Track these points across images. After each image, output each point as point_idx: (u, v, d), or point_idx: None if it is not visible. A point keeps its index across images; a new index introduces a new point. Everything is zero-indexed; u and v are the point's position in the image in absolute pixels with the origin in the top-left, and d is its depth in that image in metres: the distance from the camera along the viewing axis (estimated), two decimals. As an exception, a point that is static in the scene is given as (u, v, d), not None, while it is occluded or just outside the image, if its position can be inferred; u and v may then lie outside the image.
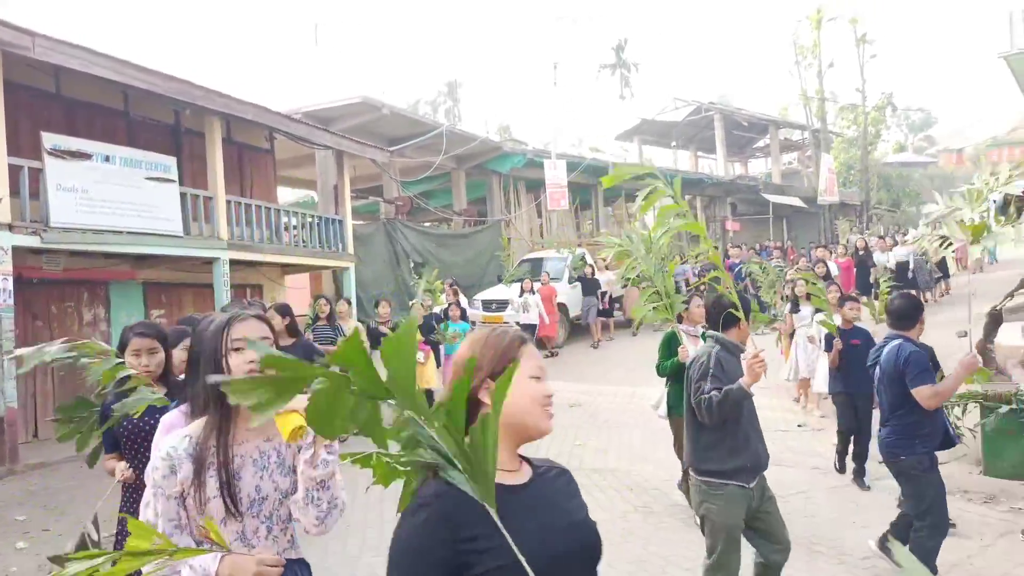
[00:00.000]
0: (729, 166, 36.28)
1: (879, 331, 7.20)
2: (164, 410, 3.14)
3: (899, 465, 4.32)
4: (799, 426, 8.84)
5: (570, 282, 16.47)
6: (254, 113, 11.96)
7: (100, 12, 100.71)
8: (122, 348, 3.41)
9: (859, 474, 6.64)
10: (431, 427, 1.28)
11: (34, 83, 10.48)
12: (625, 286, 16.73)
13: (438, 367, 10.74)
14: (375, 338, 9.97)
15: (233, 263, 11.64)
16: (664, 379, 6.14)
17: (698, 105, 33.34)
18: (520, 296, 14.62)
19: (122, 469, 3.38)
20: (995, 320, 8.78)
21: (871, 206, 36.17)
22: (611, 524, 5.78)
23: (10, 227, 8.63)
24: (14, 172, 8.81)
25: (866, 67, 35.68)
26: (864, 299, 12.77)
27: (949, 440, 4.45)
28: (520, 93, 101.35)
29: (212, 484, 1.99)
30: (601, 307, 16.35)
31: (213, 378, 1.99)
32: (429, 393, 10.52)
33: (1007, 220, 8.39)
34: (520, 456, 1.72)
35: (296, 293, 15.33)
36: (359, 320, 12.24)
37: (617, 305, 17.40)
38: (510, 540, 1.26)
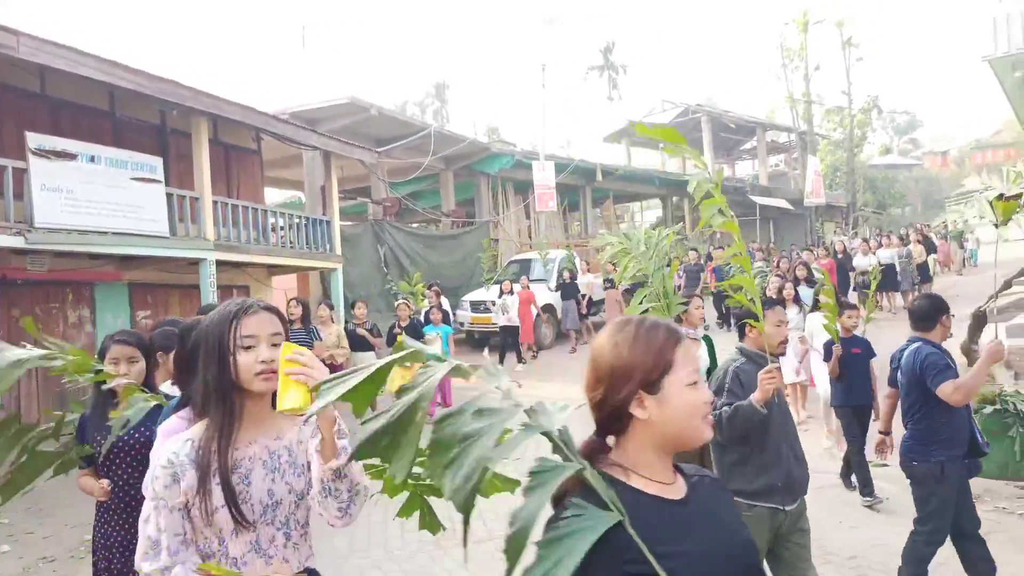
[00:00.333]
0: (716, 168, 36.41)
1: (870, 335, 7.24)
2: (151, 423, 3.00)
3: (912, 471, 4.22)
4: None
5: (556, 287, 16.22)
6: (241, 113, 11.91)
7: (87, 12, 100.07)
8: (101, 356, 3.26)
9: (846, 475, 6.61)
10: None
11: (19, 83, 10.40)
12: (607, 288, 16.64)
13: None
14: (352, 340, 9.88)
15: (220, 264, 11.58)
16: None
17: (686, 107, 33.49)
18: (499, 298, 14.43)
19: (105, 490, 3.19)
20: (979, 321, 8.86)
21: (857, 208, 36.40)
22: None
23: (-6, 227, 8.56)
24: (-2, 172, 8.74)
25: (852, 70, 35.95)
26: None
27: (977, 448, 4.21)
28: (508, 94, 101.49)
29: (218, 492, 1.81)
30: (581, 311, 16.07)
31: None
32: None
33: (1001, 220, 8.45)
34: (673, 464, 1.47)
35: (283, 294, 15.27)
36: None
37: (595, 309, 17.06)
38: (659, 568, 1.14)
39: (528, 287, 15.11)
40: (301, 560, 1.99)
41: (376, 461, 1.57)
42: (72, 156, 9.47)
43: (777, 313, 3.83)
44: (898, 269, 16.80)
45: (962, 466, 4.14)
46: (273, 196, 23.47)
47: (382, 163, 18.00)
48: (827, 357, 6.55)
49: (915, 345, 4.33)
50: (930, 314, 4.42)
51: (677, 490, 1.40)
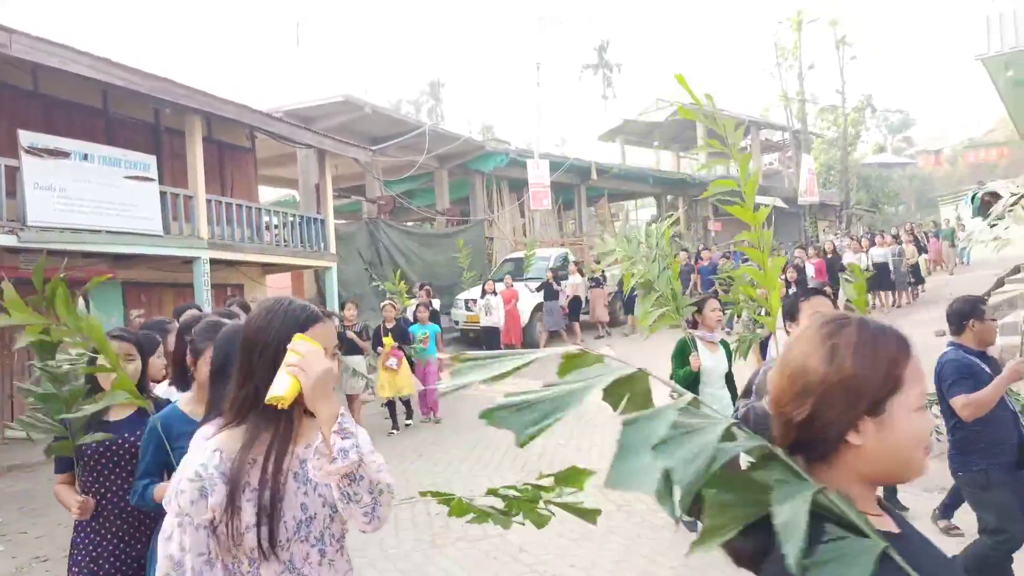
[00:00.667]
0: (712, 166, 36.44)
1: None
2: (140, 426, 2.89)
3: (957, 481, 4.09)
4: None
5: (539, 288, 15.83)
6: (235, 112, 11.88)
7: (80, 11, 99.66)
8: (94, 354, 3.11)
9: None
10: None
11: (12, 81, 10.36)
12: (591, 288, 16.45)
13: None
14: (340, 343, 9.58)
15: (213, 262, 11.55)
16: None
17: (680, 106, 33.48)
18: (482, 298, 14.19)
19: (87, 506, 2.94)
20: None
21: (850, 207, 36.50)
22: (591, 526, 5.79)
23: (-14, 226, 8.53)
24: (-9, 170, 8.71)
25: (846, 69, 36.04)
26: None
27: None
28: (503, 93, 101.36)
29: (249, 510, 1.64)
30: (565, 311, 15.84)
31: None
32: (407, 403, 10.07)
33: (991, 218, 8.50)
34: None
35: (277, 293, 15.24)
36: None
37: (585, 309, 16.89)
38: None
39: (512, 286, 14.82)
40: None
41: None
42: (65, 154, 9.44)
43: (815, 304, 3.49)
44: (891, 268, 16.74)
45: (1011, 473, 3.90)
46: (267, 195, 23.42)
47: (376, 161, 17.97)
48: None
49: (945, 350, 4.18)
50: (956, 318, 4.20)
51: (890, 523, 1.18)
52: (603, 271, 17.08)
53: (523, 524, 1.71)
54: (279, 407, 1.67)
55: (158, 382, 3.50)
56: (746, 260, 18.17)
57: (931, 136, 63.18)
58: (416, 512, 6.41)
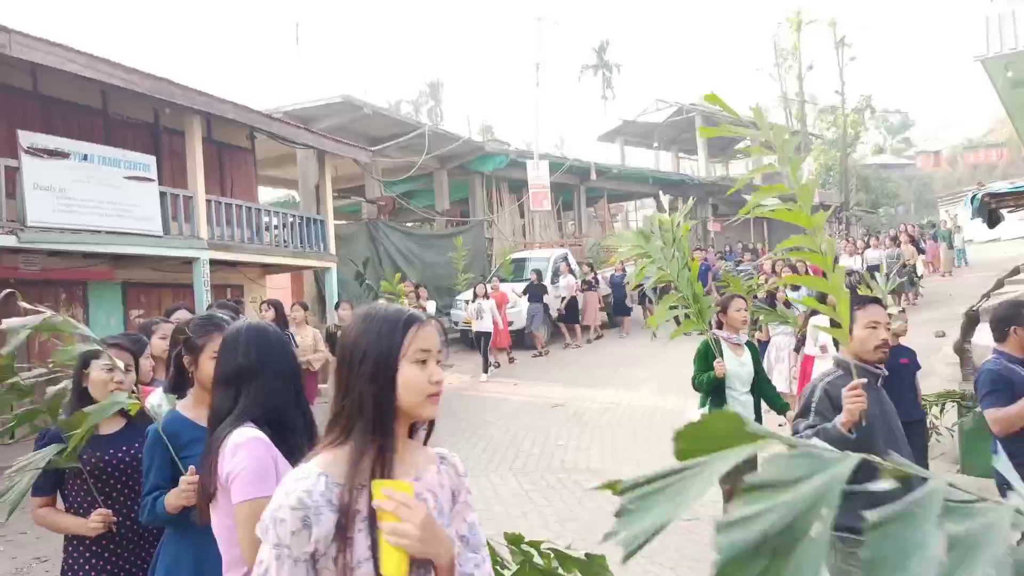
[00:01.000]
0: (711, 167, 36.47)
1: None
2: (136, 438, 2.75)
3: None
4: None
5: (524, 291, 15.48)
6: (235, 112, 11.88)
7: (80, 10, 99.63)
8: (86, 362, 2.90)
9: None
10: None
11: (10, 81, 10.35)
12: (583, 291, 16.24)
13: None
14: (333, 344, 8.74)
15: (213, 263, 11.55)
16: (702, 395, 5.19)
17: (680, 106, 33.50)
18: (473, 301, 13.72)
19: (107, 519, 2.71)
20: (972, 321, 8.88)
21: (850, 208, 36.51)
22: (593, 524, 5.79)
23: (-14, 226, 8.52)
24: (-10, 171, 8.71)
25: (845, 70, 36.04)
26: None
27: None
28: (502, 93, 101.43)
29: (363, 542, 1.46)
30: (560, 312, 15.65)
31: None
32: None
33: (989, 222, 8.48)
34: None
35: (277, 293, 15.24)
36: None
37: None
38: None
39: (499, 289, 14.54)
40: None
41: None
42: (65, 155, 9.43)
43: (870, 312, 3.21)
44: (884, 270, 16.54)
45: None
46: (267, 195, 23.42)
47: (376, 162, 17.98)
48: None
49: (988, 358, 3.92)
50: (999, 324, 3.90)
51: None
52: (595, 273, 16.97)
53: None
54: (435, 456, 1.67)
55: (147, 384, 3.35)
56: (739, 262, 17.96)
57: (930, 137, 63.17)
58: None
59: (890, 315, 5.48)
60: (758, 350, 5.28)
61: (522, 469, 7.62)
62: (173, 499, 2.38)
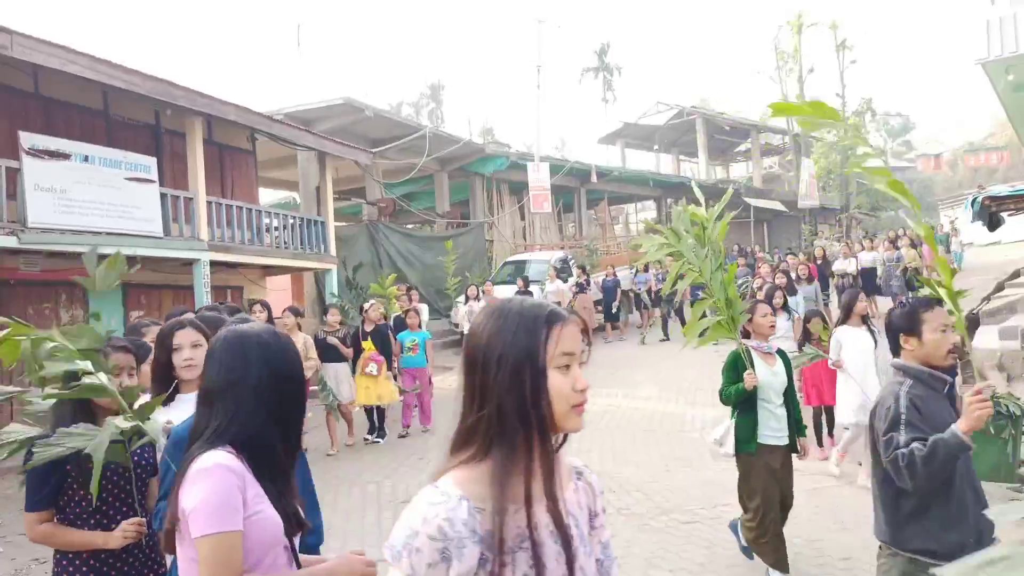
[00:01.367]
0: (711, 170, 36.54)
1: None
2: (142, 445, 2.54)
3: None
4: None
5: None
6: (236, 113, 11.89)
7: (81, 12, 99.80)
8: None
9: None
10: None
11: (12, 82, 10.37)
12: (575, 294, 15.91)
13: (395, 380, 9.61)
14: (322, 349, 8.59)
15: (214, 264, 11.55)
16: (730, 408, 4.90)
17: (680, 109, 33.55)
18: (465, 304, 13.40)
19: (140, 528, 2.49)
20: (972, 323, 8.89)
21: (850, 210, 36.54)
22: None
23: (-13, 227, 8.53)
24: (-9, 172, 8.71)
25: (846, 73, 36.10)
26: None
27: None
28: (503, 96, 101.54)
29: (523, 564, 1.30)
30: None
31: None
32: (380, 412, 9.35)
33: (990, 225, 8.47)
34: None
35: (278, 295, 15.25)
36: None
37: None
38: None
39: (492, 292, 14.08)
40: None
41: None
42: (66, 156, 9.44)
43: (939, 314, 3.00)
44: (879, 273, 16.21)
45: None
46: (267, 197, 23.43)
47: (377, 164, 17.99)
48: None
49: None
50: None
51: None
52: (588, 276, 16.83)
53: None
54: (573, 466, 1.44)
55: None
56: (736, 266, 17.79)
57: (931, 140, 63.19)
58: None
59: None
60: (790, 360, 4.99)
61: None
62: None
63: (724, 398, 4.79)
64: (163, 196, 10.74)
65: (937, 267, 2.59)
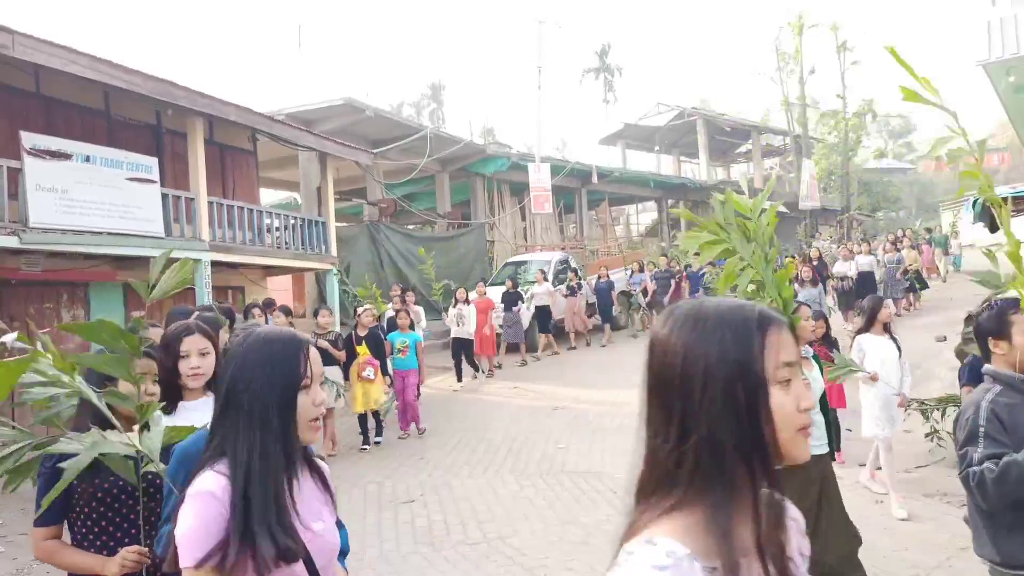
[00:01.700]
0: (712, 171, 36.51)
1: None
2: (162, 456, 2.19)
3: None
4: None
5: (502, 299, 14.57)
6: (237, 114, 11.90)
7: (83, 12, 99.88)
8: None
9: None
10: None
11: (13, 82, 10.38)
12: (566, 297, 15.76)
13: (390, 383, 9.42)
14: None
15: (214, 265, 11.56)
16: None
17: (681, 110, 33.55)
18: (454, 307, 13.00)
19: (143, 556, 2.25)
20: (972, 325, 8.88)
21: (851, 212, 36.54)
22: (594, 527, 5.79)
23: (-12, 227, 8.54)
24: (-7, 172, 8.72)
25: (847, 74, 36.09)
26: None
27: None
28: (504, 96, 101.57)
29: None
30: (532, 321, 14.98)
31: None
32: (376, 415, 9.20)
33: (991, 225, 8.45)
34: None
35: (279, 295, 15.26)
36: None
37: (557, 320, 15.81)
38: None
39: (485, 294, 13.86)
40: None
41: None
42: (67, 156, 9.45)
43: None
44: (877, 276, 15.96)
45: None
46: (268, 197, 23.45)
47: (378, 164, 18.01)
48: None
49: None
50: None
51: None
52: (579, 279, 16.51)
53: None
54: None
55: None
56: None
57: (932, 141, 63.08)
58: (415, 514, 6.41)
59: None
60: (823, 364, 4.77)
61: (523, 471, 7.62)
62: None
63: None
64: (164, 196, 10.75)
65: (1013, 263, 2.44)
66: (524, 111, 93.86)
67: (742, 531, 1.06)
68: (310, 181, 16.83)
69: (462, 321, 12.69)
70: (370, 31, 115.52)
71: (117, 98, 11.47)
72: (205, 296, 11.01)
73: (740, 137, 36.44)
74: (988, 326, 2.85)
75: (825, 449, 4.48)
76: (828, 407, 4.67)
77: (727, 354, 1.08)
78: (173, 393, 2.63)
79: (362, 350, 8.98)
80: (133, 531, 2.37)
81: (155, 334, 3.45)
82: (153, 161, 10.72)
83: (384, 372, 9.14)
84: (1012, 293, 2.71)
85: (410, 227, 21.99)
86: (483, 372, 13.27)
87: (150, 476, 2.31)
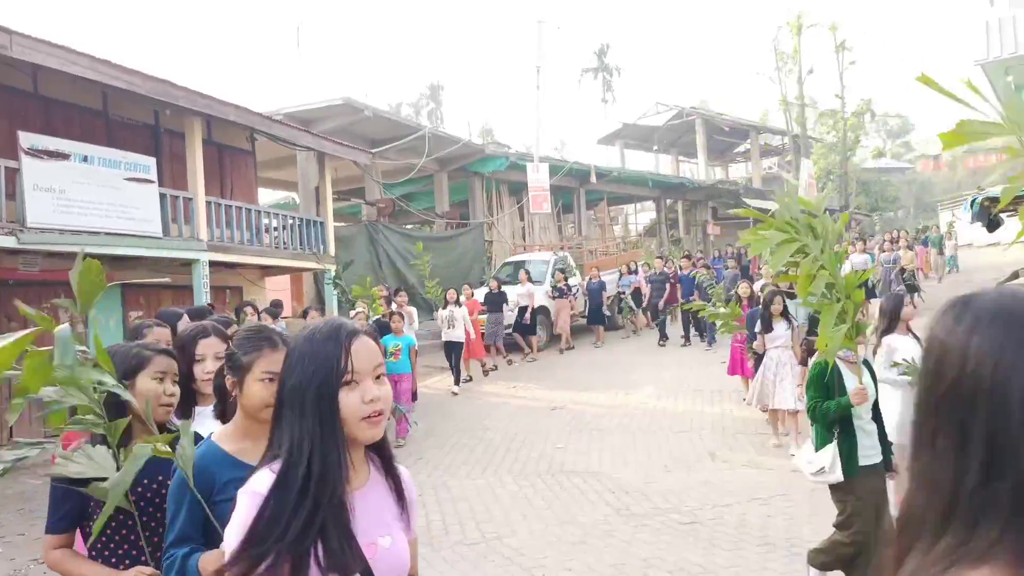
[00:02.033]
0: (710, 170, 36.52)
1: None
2: (163, 468, 2.12)
3: None
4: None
5: (484, 300, 14.38)
6: (235, 113, 11.89)
7: (81, 12, 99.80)
8: (134, 371, 2.30)
9: None
10: None
11: (11, 82, 10.36)
12: (556, 297, 15.59)
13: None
14: None
15: (213, 265, 11.55)
16: (819, 426, 4.32)
17: (680, 110, 33.56)
18: (444, 309, 12.81)
19: None
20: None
21: (850, 211, 36.57)
22: (592, 527, 5.79)
23: (-14, 227, 8.53)
24: (-10, 172, 8.71)
25: (845, 74, 36.13)
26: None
27: None
28: (503, 96, 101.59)
29: None
30: (523, 322, 14.76)
31: None
32: None
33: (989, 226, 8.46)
34: None
35: (277, 295, 15.24)
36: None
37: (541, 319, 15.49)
38: None
39: (472, 296, 13.68)
40: None
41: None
42: (65, 156, 9.44)
43: None
44: (877, 275, 15.86)
45: None
46: (266, 197, 23.43)
47: (376, 164, 17.98)
48: None
49: None
50: None
51: None
52: (567, 281, 16.11)
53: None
54: None
55: None
56: (726, 268, 17.22)
57: (930, 141, 63.23)
58: (414, 515, 6.40)
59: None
60: (874, 371, 4.56)
61: (521, 471, 7.62)
62: (206, 562, 1.84)
63: (819, 415, 4.21)
64: (162, 196, 10.74)
65: None
66: (523, 111, 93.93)
67: None
68: (308, 181, 16.81)
69: (452, 323, 12.52)
70: (369, 31, 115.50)
71: (115, 98, 11.46)
72: (203, 296, 11.00)
73: (739, 137, 36.46)
74: None
75: (879, 459, 4.24)
76: (880, 415, 4.42)
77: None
78: (187, 398, 2.51)
79: None
80: (140, 544, 2.18)
81: (160, 334, 3.40)
82: (151, 161, 10.71)
83: None
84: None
85: (408, 227, 21.96)
86: (470, 378, 13.02)
87: (148, 495, 2.20)
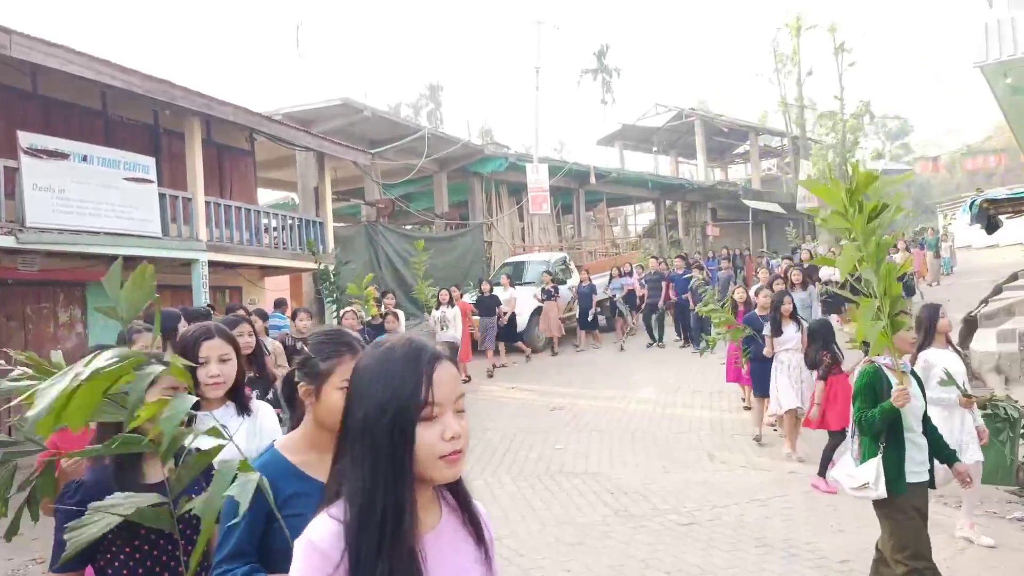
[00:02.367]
0: (709, 172, 36.55)
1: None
2: (196, 487, 1.88)
3: None
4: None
5: (475, 303, 14.42)
6: (234, 113, 11.89)
7: (80, 11, 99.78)
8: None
9: None
10: None
11: (10, 82, 10.36)
12: (544, 300, 15.35)
13: None
14: (291, 355, 7.46)
15: (212, 265, 11.55)
16: (867, 438, 4.01)
17: (679, 111, 33.58)
18: (437, 310, 12.81)
19: None
20: (970, 326, 8.90)
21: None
22: (590, 527, 5.79)
23: (-15, 227, 8.52)
24: (-10, 171, 8.71)
25: (844, 75, 36.10)
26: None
27: None
28: (502, 97, 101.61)
29: None
30: (503, 326, 14.41)
31: None
32: None
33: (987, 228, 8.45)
34: None
35: (277, 295, 15.22)
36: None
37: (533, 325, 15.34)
38: None
39: (461, 297, 13.58)
40: None
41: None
42: (64, 156, 9.44)
43: None
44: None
45: None
46: (266, 197, 23.42)
47: (375, 165, 17.99)
48: None
49: None
50: None
51: None
52: (555, 283, 15.84)
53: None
54: None
55: None
56: (720, 270, 17.14)
57: (929, 143, 63.30)
58: (413, 515, 6.39)
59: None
60: (922, 381, 4.30)
61: (520, 472, 7.62)
62: None
63: (866, 425, 3.94)
64: (161, 196, 10.74)
65: None
66: (522, 112, 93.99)
67: None
68: (308, 181, 16.80)
69: (445, 325, 12.32)
70: (368, 32, 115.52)
71: (114, 98, 11.46)
72: (202, 296, 11.00)
73: (738, 138, 36.49)
74: None
75: (927, 476, 3.95)
76: (933, 429, 4.14)
77: None
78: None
79: None
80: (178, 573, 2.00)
81: (144, 339, 3.37)
82: (150, 161, 10.71)
83: None
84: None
85: (408, 227, 21.96)
86: (468, 379, 12.86)
87: (187, 516, 1.83)
